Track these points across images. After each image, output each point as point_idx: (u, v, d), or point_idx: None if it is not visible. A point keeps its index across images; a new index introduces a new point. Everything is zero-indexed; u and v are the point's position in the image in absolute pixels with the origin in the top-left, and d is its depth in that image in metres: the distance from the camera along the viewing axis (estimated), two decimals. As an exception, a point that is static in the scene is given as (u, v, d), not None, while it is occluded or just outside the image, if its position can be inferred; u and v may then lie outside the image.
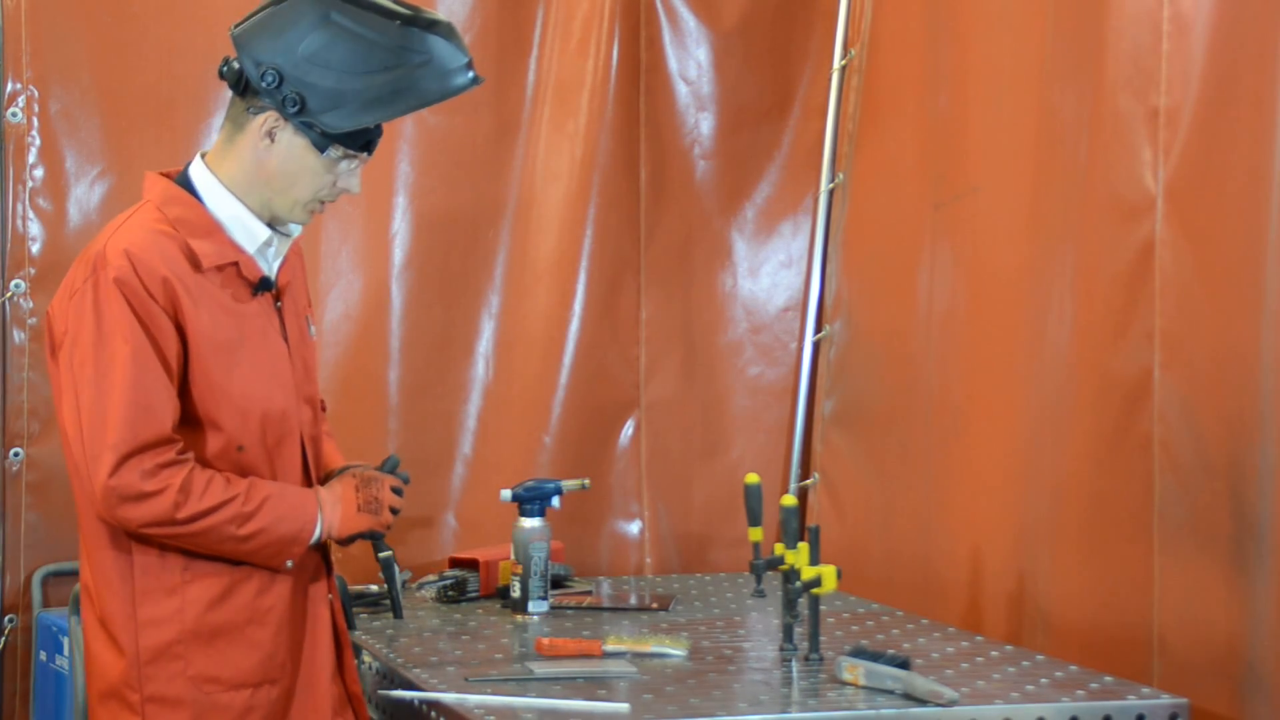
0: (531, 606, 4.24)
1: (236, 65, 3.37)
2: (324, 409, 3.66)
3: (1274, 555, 3.43)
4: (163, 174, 3.44)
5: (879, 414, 4.82)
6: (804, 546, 3.69)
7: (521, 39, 5.00)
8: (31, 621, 4.66)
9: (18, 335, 4.68)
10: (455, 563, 4.57)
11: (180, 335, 3.30)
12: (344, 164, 3.39)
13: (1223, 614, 3.55)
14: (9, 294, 4.67)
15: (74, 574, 4.53)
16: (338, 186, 3.41)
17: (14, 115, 4.67)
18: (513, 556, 4.27)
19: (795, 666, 3.66)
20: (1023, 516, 4.14)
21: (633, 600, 4.47)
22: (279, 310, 3.45)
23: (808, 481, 5.04)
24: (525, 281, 4.99)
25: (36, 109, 4.69)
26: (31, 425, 4.68)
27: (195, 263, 3.33)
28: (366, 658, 3.81)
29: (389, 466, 3.61)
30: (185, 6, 4.77)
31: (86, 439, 3.26)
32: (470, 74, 3.36)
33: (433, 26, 3.34)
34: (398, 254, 4.93)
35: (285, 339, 3.44)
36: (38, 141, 4.69)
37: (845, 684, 3.45)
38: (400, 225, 4.93)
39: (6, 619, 4.68)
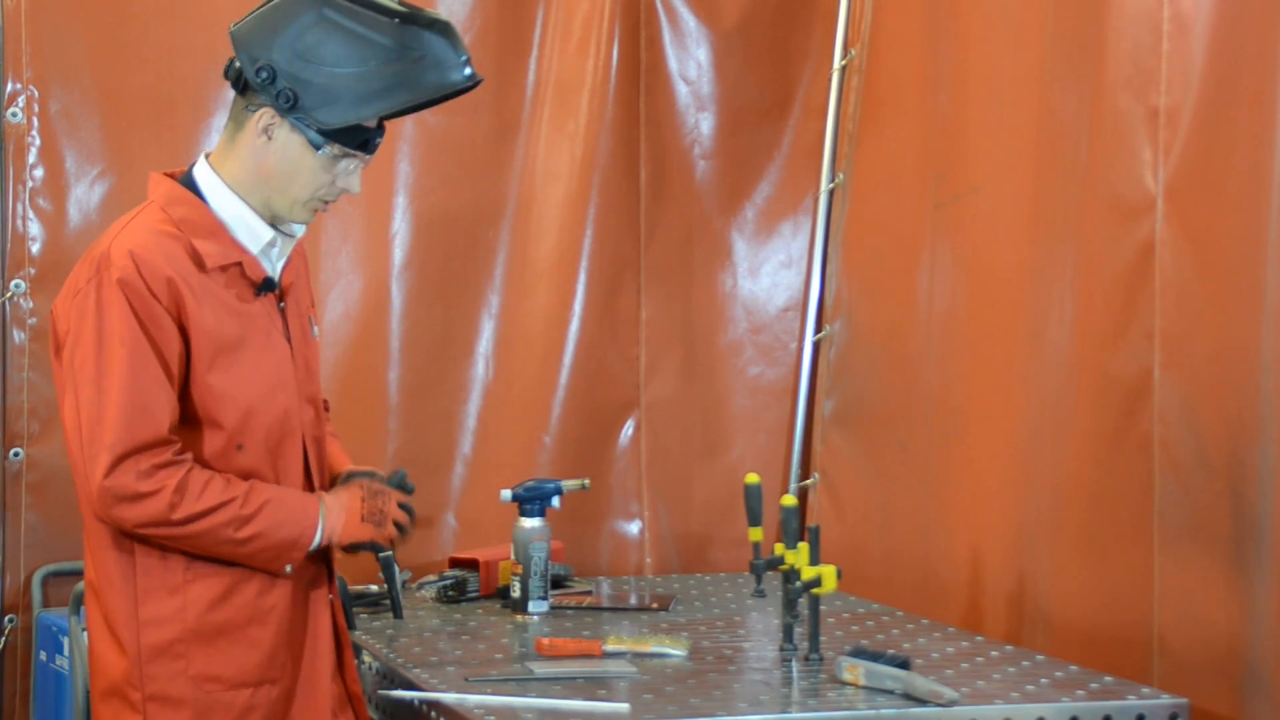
0: (531, 606, 4.24)
1: (237, 64, 3.38)
2: (327, 409, 3.66)
3: (1274, 555, 3.43)
4: (167, 174, 3.45)
5: (879, 414, 4.82)
6: (804, 546, 3.69)
7: (521, 39, 5.00)
8: (31, 621, 4.66)
9: (18, 335, 4.68)
10: (455, 563, 4.57)
11: (183, 336, 3.31)
12: (344, 163, 3.39)
13: (1223, 614, 3.55)
14: (9, 294, 4.67)
15: (74, 574, 4.54)
16: (337, 186, 3.40)
17: (14, 115, 4.67)
18: (513, 556, 4.27)
19: (795, 666, 3.66)
20: (1023, 516, 4.14)
21: (633, 600, 4.47)
22: (282, 310, 3.45)
23: (808, 481, 5.04)
24: (525, 281, 4.99)
25: (36, 109, 4.69)
26: (31, 425, 4.68)
27: (199, 263, 3.33)
28: (366, 658, 3.81)
29: (396, 480, 3.60)
30: (185, 6, 4.77)
31: (85, 439, 3.27)
32: (467, 70, 3.36)
33: (430, 24, 3.34)
34: (398, 254, 4.93)
35: (288, 339, 3.45)
36: (38, 141, 4.69)
37: (845, 684, 3.45)
38: (400, 225, 4.93)
39: (6, 619, 4.69)
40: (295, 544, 3.36)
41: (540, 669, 3.58)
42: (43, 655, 4.59)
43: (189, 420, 3.34)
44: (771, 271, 5.16)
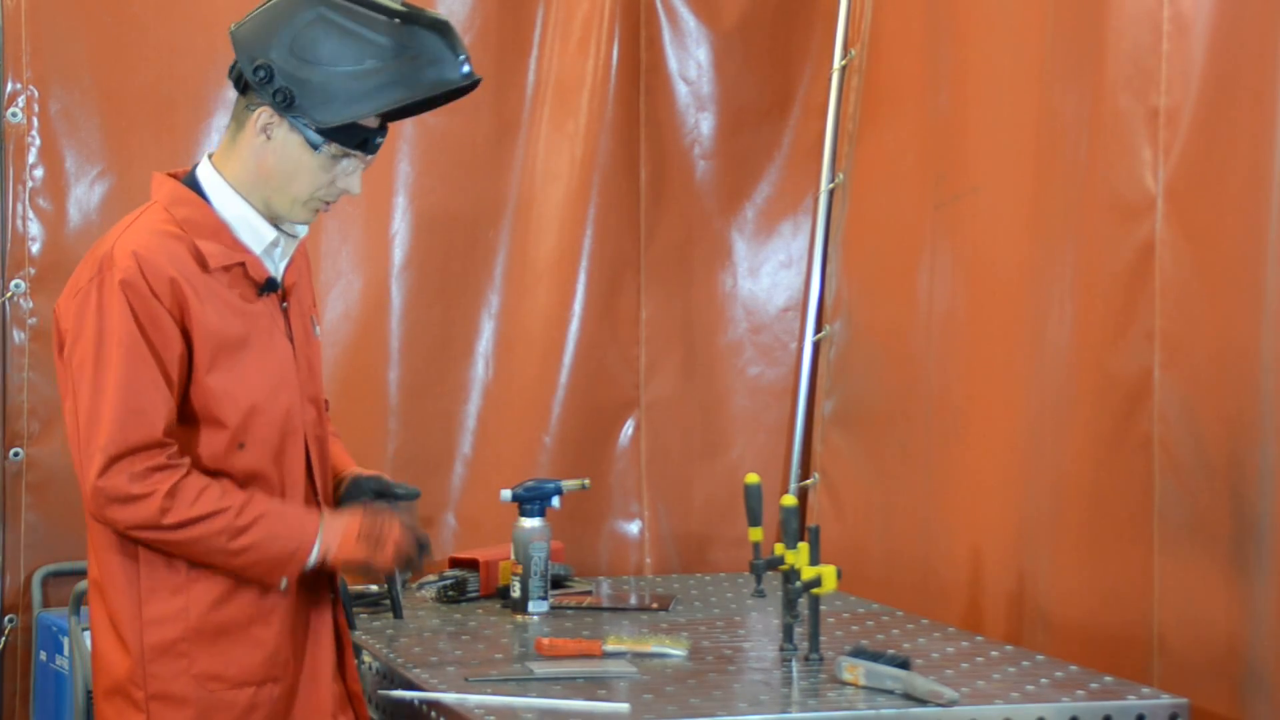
0: (531, 606, 4.24)
1: (237, 64, 3.39)
2: (327, 408, 3.66)
3: (1274, 555, 3.43)
4: (170, 174, 3.45)
5: (879, 414, 4.82)
6: (804, 546, 3.69)
7: (521, 39, 5.00)
8: (31, 621, 4.66)
9: (18, 335, 4.68)
10: (455, 563, 4.56)
11: (185, 337, 3.31)
12: (344, 163, 3.39)
13: (1223, 614, 3.55)
14: (9, 294, 4.67)
15: (74, 574, 4.54)
16: (337, 186, 3.41)
17: (14, 115, 4.67)
18: (513, 556, 4.27)
19: (795, 666, 3.66)
20: (1023, 516, 4.14)
21: (633, 600, 4.47)
22: (285, 310, 3.46)
23: (808, 481, 5.04)
24: (525, 281, 4.99)
25: (36, 109, 4.69)
26: (31, 425, 4.68)
27: (202, 263, 3.34)
28: (366, 658, 3.81)
29: (408, 494, 3.60)
30: (185, 6, 4.77)
31: (82, 439, 3.28)
32: (465, 69, 3.35)
33: (428, 24, 3.34)
34: (398, 254, 4.93)
35: (290, 339, 3.45)
36: (38, 141, 4.70)
37: (845, 684, 3.45)
38: (400, 225, 4.93)
39: (6, 619, 4.69)
40: (291, 558, 3.34)
41: (540, 669, 3.58)
42: (43, 655, 4.59)
43: (192, 420, 3.34)
44: (771, 271, 5.16)
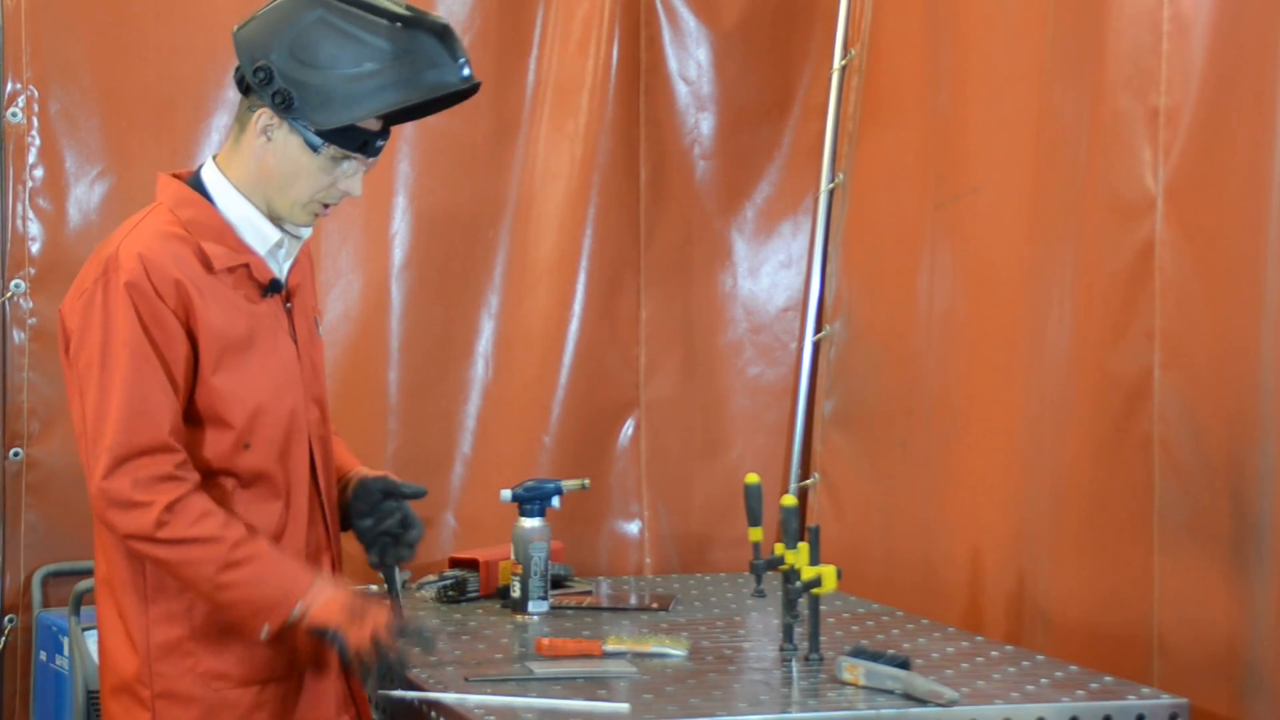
0: (531, 606, 4.23)
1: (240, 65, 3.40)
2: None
3: (1274, 555, 3.43)
4: (175, 175, 3.46)
5: (879, 414, 4.82)
6: (804, 546, 3.68)
7: (521, 39, 5.00)
8: (31, 621, 4.66)
9: (18, 335, 4.68)
10: (455, 563, 4.56)
11: (191, 338, 3.32)
12: (345, 165, 3.39)
13: (1223, 614, 3.55)
14: (9, 294, 4.67)
15: (74, 574, 4.54)
16: (338, 188, 3.41)
17: (14, 115, 4.67)
18: (513, 556, 4.27)
19: (795, 666, 3.66)
20: (1023, 516, 4.14)
21: (633, 600, 4.47)
22: (288, 311, 3.47)
23: (808, 481, 5.04)
24: (525, 281, 4.99)
25: (36, 109, 4.69)
26: (31, 425, 4.68)
27: (207, 265, 3.35)
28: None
29: (415, 493, 3.60)
30: (185, 6, 4.77)
31: (89, 440, 3.29)
32: (464, 72, 3.35)
33: (428, 27, 3.34)
34: (397, 254, 4.93)
35: (294, 339, 3.46)
36: (38, 141, 4.70)
37: (845, 684, 3.45)
38: (400, 225, 4.93)
39: (6, 619, 4.69)
40: (274, 608, 3.30)
41: (540, 669, 3.58)
42: (43, 655, 4.59)
43: (197, 420, 3.35)
44: (771, 271, 5.16)
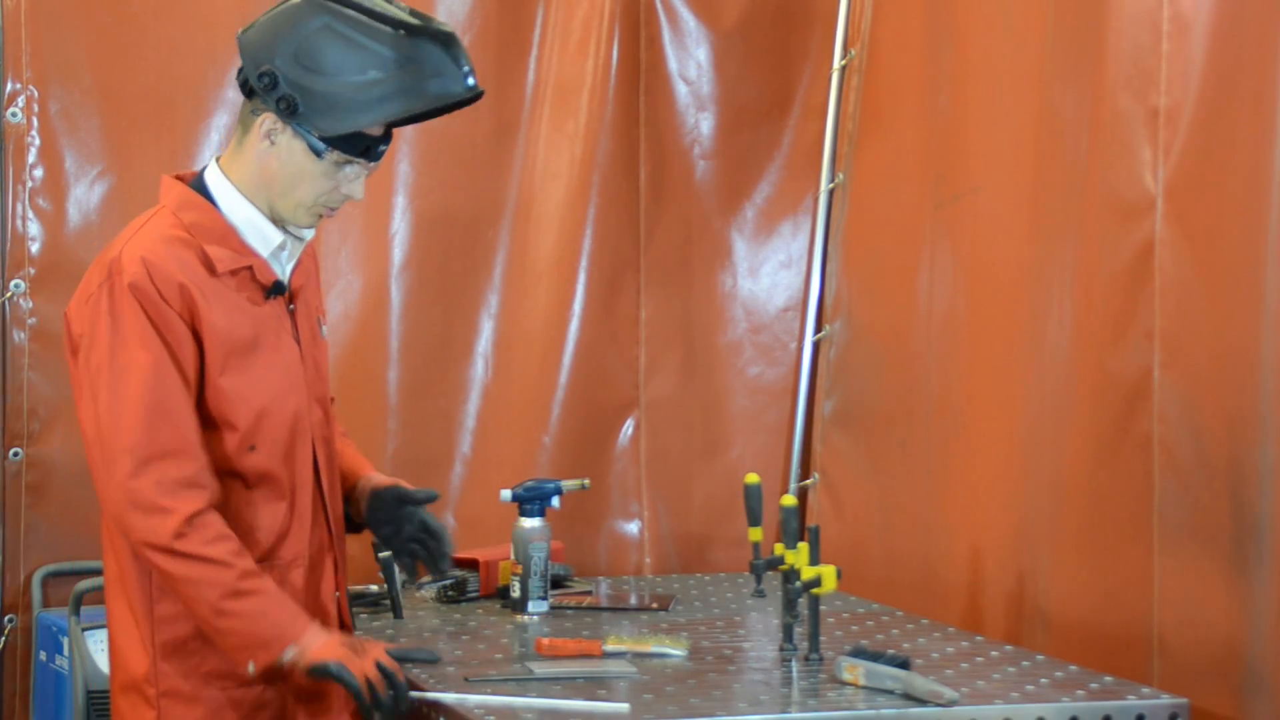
0: (531, 606, 4.23)
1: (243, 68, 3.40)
2: (333, 404, 3.69)
3: (1274, 555, 3.43)
4: (178, 177, 3.47)
5: (879, 414, 4.82)
6: (804, 546, 3.69)
7: (521, 39, 5.00)
8: (31, 621, 4.66)
9: (18, 335, 4.68)
10: (455, 563, 4.55)
11: (196, 339, 3.33)
12: (347, 169, 3.41)
13: (1223, 614, 3.55)
14: (9, 294, 4.67)
15: (74, 574, 4.54)
16: (340, 192, 3.43)
17: (14, 115, 4.67)
18: (513, 556, 4.27)
19: (795, 666, 3.66)
20: (1023, 516, 4.14)
21: (633, 600, 4.47)
22: (292, 313, 3.48)
23: (808, 481, 5.04)
24: (525, 281, 4.99)
25: (36, 109, 4.69)
26: (31, 425, 4.68)
27: (210, 268, 3.37)
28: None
29: (427, 498, 3.64)
30: (185, 6, 4.77)
31: (105, 442, 3.30)
32: (469, 81, 3.37)
33: (433, 35, 3.35)
34: (397, 254, 4.93)
35: (297, 341, 3.48)
36: (37, 141, 4.70)
37: (845, 684, 3.45)
38: (400, 225, 4.93)
39: (6, 619, 4.69)
40: (267, 645, 3.32)
41: (540, 669, 3.58)
42: (42, 655, 4.59)
43: (204, 422, 3.36)
44: (771, 271, 5.16)
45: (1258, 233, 3.47)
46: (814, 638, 3.67)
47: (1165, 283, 3.69)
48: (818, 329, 5.08)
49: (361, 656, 3.35)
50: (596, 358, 5.03)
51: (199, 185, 3.45)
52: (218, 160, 3.47)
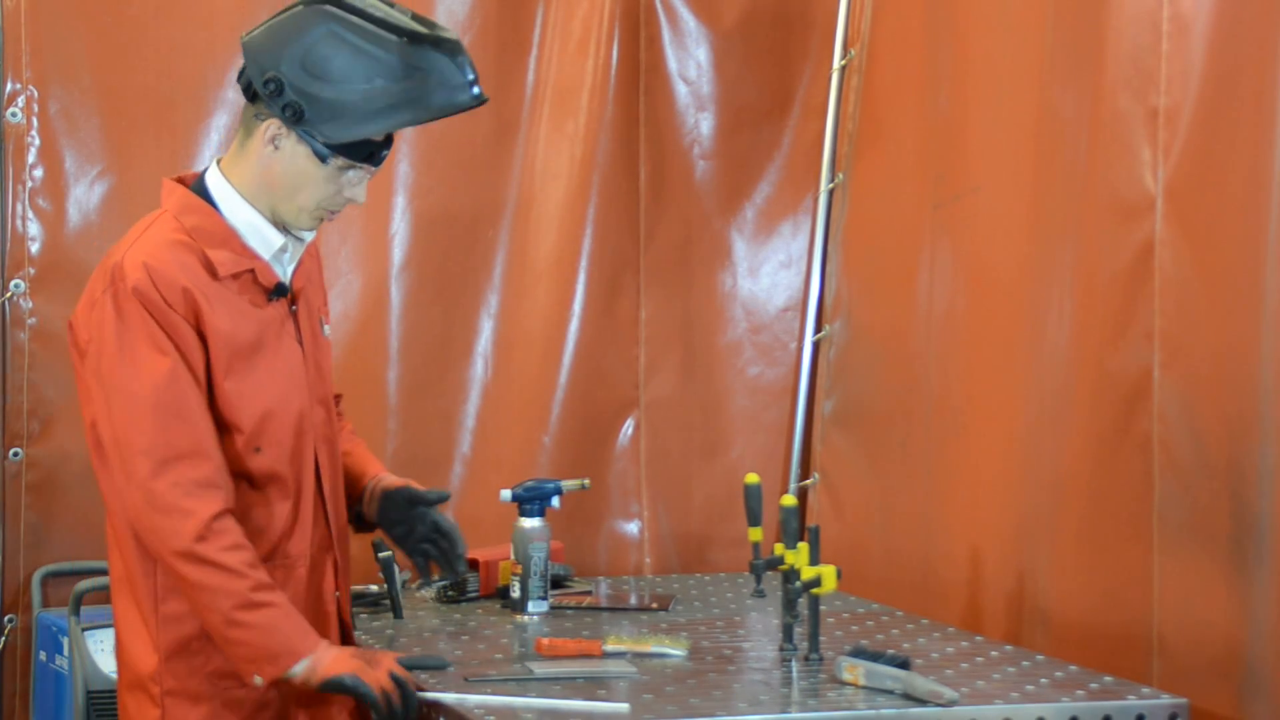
0: (531, 606, 4.23)
1: (246, 72, 3.41)
2: (339, 402, 3.72)
3: (1274, 555, 3.44)
4: (179, 179, 3.48)
5: (879, 414, 4.82)
6: (804, 546, 3.69)
7: (521, 39, 5.00)
8: (31, 621, 4.66)
9: (18, 335, 4.68)
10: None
11: (202, 343, 3.34)
12: (350, 174, 3.42)
13: (1223, 614, 3.55)
14: (9, 294, 4.67)
15: (74, 574, 4.54)
16: (343, 196, 3.44)
17: (14, 115, 4.67)
18: (513, 556, 4.27)
19: (795, 666, 3.66)
20: (1022, 516, 4.14)
21: (632, 600, 4.47)
22: (294, 314, 3.49)
23: (808, 481, 5.04)
24: (525, 281, 4.99)
25: (36, 109, 4.69)
26: (31, 425, 4.68)
27: (212, 271, 3.39)
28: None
29: (439, 498, 3.66)
30: (185, 6, 4.77)
31: (120, 446, 3.31)
32: (473, 91, 3.39)
33: (437, 44, 3.36)
34: (397, 254, 4.93)
35: (300, 342, 3.49)
36: (37, 141, 4.69)
37: (845, 684, 3.45)
38: (399, 225, 4.93)
39: (6, 619, 4.69)
40: (277, 658, 3.33)
41: (540, 669, 3.58)
42: (42, 655, 4.59)
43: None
44: (771, 271, 5.16)
45: (1258, 233, 3.47)
46: (814, 638, 3.67)
47: (1165, 283, 3.69)
48: (818, 329, 5.08)
49: (375, 667, 3.36)
50: (596, 358, 5.03)
51: (200, 188, 3.46)
52: (219, 163, 3.47)
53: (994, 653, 3.80)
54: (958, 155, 4.49)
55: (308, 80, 3.33)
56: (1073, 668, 3.64)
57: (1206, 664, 3.58)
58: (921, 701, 3.31)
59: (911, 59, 4.74)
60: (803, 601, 3.69)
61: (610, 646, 3.72)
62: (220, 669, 3.38)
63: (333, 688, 3.34)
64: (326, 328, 3.63)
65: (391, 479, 3.72)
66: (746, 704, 3.39)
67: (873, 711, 3.28)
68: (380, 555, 4.11)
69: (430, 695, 3.41)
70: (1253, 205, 3.48)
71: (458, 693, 3.40)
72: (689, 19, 5.11)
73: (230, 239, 3.41)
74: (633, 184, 5.08)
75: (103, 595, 4.31)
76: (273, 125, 3.38)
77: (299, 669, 3.33)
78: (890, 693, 3.37)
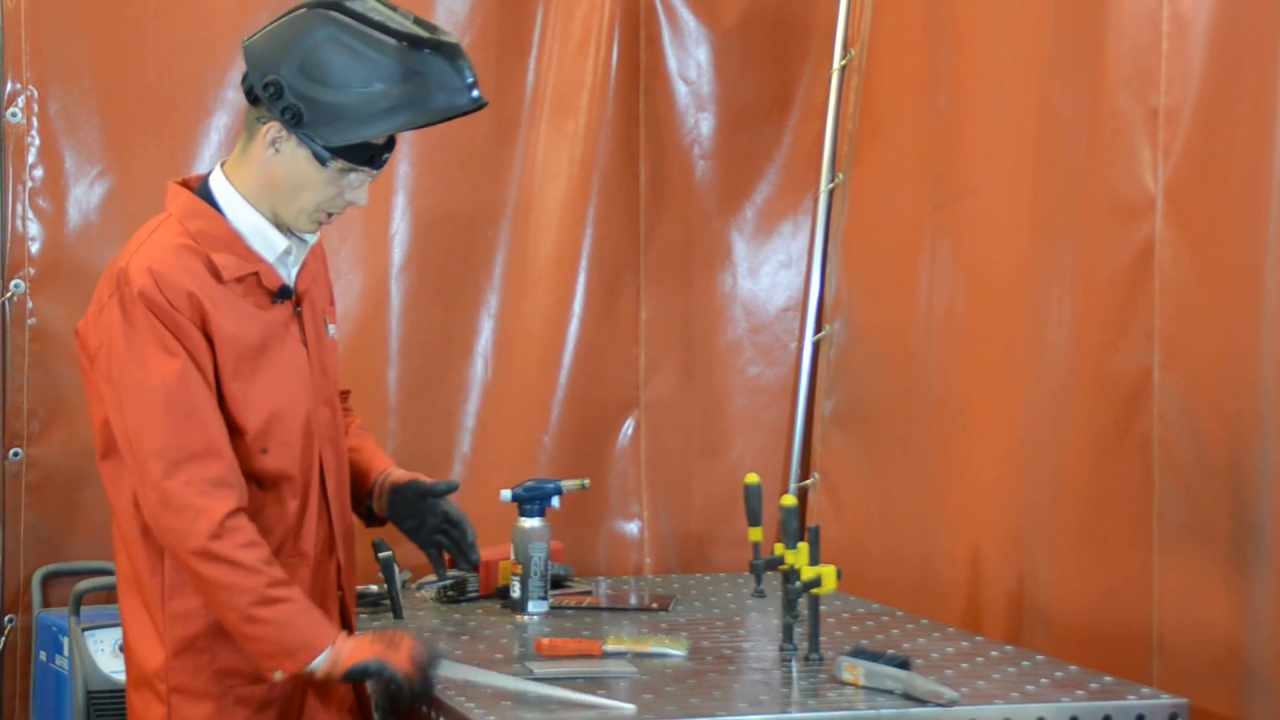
0: (531, 606, 4.23)
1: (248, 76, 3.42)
2: (346, 398, 3.73)
3: (1274, 555, 3.44)
4: (183, 182, 3.49)
5: (879, 414, 4.82)
6: (804, 546, 3.69)
7: (521, 39, 5.00)
8: (31, 621, 4.66)
9: (18, 335, 4.68)
10: (455, 563, 4.55)
11: (210, 346, 3.35)
12: (351, 177, 3.43)
13: (1223, 614, 3.55)
14: (9, 294, 4.67)
15: (74, 574, 4.54)
16: (344, 199, 3.45)
17: (14, 115, 4.67)
18: (513, 556, 4.27)
19: (795, 666, 3.66)
20: (1022, 516, 4.14)
21: (633, 600, 4.47)
22: (298, 316, 3.50)
23: (808, 481, 5.04)
24: (525, 281, 4.99)
25: (36, 109, 4.69)
26: (31, 425, 4.68)
27: (217, 275, 3.40)
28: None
29: (449, 489, 3.68)
30: (185, 6, 4.77)
31: (134, 448, 3.32)
32: (473, 95, 3.40)
33: (437, 48, 3.36)
34: (397, 254, 4.93)
35: (305, 344, 3.50)
36: (37, 141, 4.69)
37: (845, 684, 3.45)
38: (399, 225, 4.93)
39: (6, 619, 4.69)
40: (296, 653, 3.33)
41: (540, 669, 3.58)
42: (42, 655, 4.59)
43: None
44: (771, 271, 5.16)
45: (1258, 233, 3.47)
46: (814, 638, 3.67)
47: (1165, 283, 3.69)
48: (818, 329, 5.08)
49: (396, 650, 3.36)
50: (596, 358, 5.03)
51: (204, 192, 3.47)
52: (223, 165, 3.49)
53: (994, 653, 3.80)
54: (957, 155, 4.49)
55: (307, 84, 3.34)
56: (1073, 668, 3.64)
57: (1206, 664, 3.58)
58: (921, 701, 3.31)
59: (911, 59, 4.74)
60: (803, 601, 3.69)
61: (610, 646, 3.72)
62: (226, 667, 3.39)
63: (358, 675, 3.36)
64: (332, 328, 3.64)
65: (400, 473, 3.74)
66: (746, 704, 3.39)
67: (873, 711, 3.28)
68: (380, 555, 4.11)
69: (449, 673, 3.41)
70: (1253, 205, 3.48)
71: (457, 692, 3.40)
72: (689, 19, 5.11)
73: (234, 242, 3.43)
74: (633, 184, 5.08)
75: (103, 595, 4.32)
76: (273, 128, 3.39)
77: (320, 662, 3.34)
78: (890, 693, 3.37)
